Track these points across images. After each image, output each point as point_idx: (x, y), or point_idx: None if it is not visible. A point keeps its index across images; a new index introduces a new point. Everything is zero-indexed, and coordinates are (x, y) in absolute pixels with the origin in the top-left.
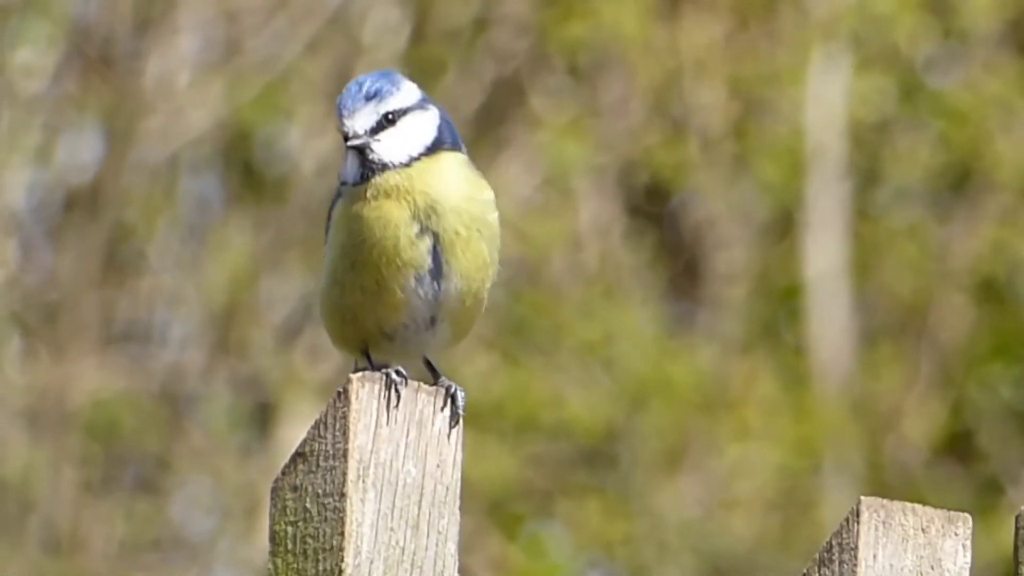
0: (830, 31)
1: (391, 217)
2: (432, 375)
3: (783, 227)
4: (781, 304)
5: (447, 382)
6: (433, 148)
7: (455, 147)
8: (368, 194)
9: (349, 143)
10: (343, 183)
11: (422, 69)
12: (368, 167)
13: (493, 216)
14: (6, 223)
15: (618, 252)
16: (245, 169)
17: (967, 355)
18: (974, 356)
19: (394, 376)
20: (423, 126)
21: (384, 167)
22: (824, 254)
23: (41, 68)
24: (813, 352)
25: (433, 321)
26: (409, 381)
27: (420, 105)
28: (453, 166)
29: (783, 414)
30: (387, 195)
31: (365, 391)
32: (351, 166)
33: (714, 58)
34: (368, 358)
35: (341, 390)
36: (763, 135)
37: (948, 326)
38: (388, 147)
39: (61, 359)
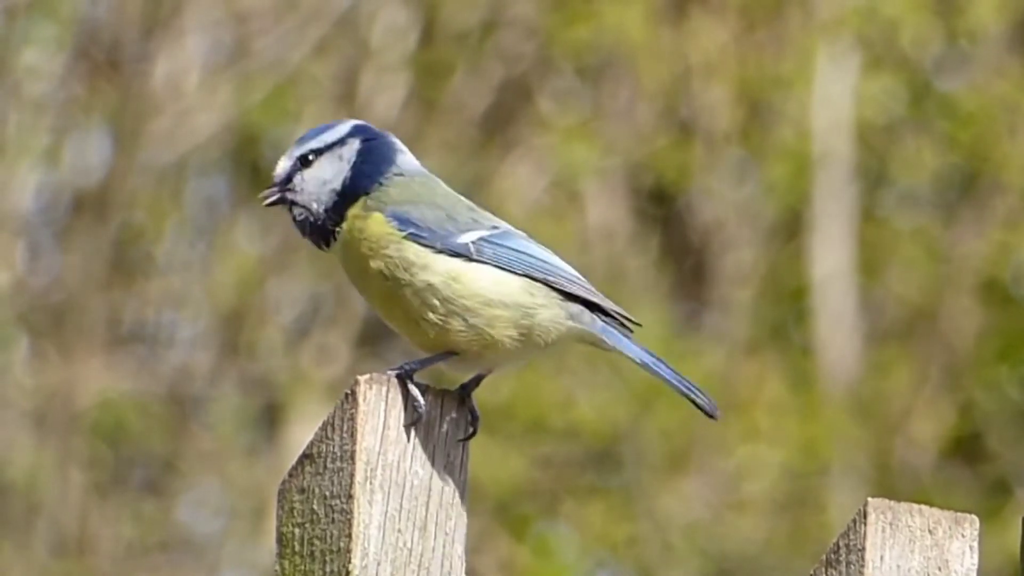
0: (837, 33)
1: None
2: (463, 392)
3: (790, 229)
4: (788, 306)
5: (474, 404)
6: (343, 198)
7: (367, 184)
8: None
9: (263, 197)
10: None
11: (430, 71)
12: (302, 228)
13: (392, 249)
14: (14, 225)
15: (625, 254)
16: (253, 171)
17: (974, 357)
18: (981, 358)
19: (415, 393)
20: (337, 166)
21: (314, 227)
22: (831, 256)
23: (48, 70)
24: (820, 353)
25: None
26: (431, 396)
27: (341, 141)
28: (353, 229)
29: (790, 415)
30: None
31: (373, 393)
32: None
33: (721, 60)
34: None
35: (349, 392)
36: (770, 137)
37: (955, 328)
38: (304, 192)
39: (69, 361)
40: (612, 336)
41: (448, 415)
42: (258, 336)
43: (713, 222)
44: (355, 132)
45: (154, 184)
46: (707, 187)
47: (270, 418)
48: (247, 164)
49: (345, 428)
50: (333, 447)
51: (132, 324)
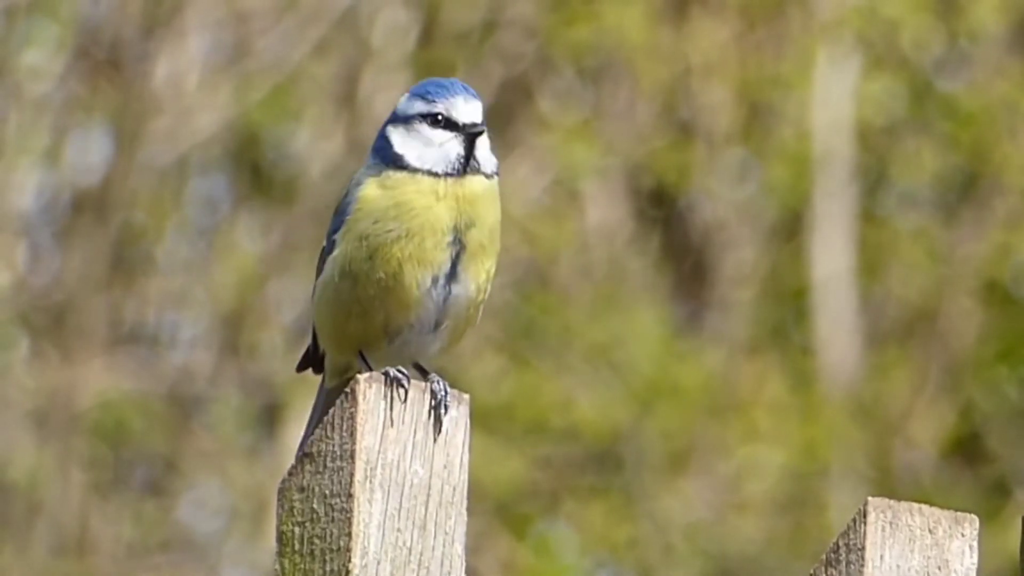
0: (837, 33)
1: (439, 219)
2: (422, 376)
3: (791, 229)
4: (789, 306)
5: (435, 377)
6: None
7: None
8: (440, 188)
9: (475, 129)
10: (398, 168)
11: (430, 70)
12: (470, 162)
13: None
14: (14, 225)
15: (626, 254)
16: (253, 171)
17: (974, 357)
18: (981, 358)
19: (394, 373)
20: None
21: (477, 169)
22: (832, 256)
23: (49, 70)
24: (820, 354)
25: (437, 325)
26: (412, 380)
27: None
28: (495, 189)
29: (791, 416)
30: (442, 197)
31: (372, 392)
32: (453, 154)
33: (721, 61)
34: (364, 359)
35: (348, 391)
36: (770, 137)
37: (955, 329)
38: (484, 150)
39: (69, 361)
40: None
41: (448, 413)
42: (259, 336)
43: (713, 222)
44: None
45: (154, 184)
46: (707, 187)
47: (270, 418)
48: (247, 164)
49: (345, 427)
50: (333, 446)
51: (132, 324)
